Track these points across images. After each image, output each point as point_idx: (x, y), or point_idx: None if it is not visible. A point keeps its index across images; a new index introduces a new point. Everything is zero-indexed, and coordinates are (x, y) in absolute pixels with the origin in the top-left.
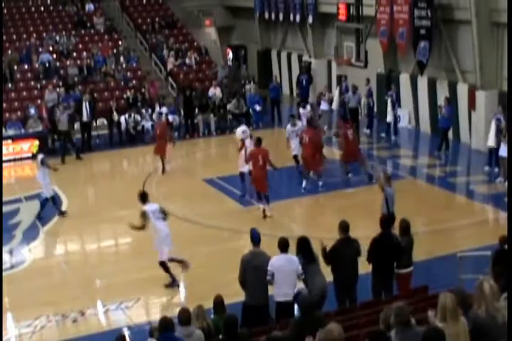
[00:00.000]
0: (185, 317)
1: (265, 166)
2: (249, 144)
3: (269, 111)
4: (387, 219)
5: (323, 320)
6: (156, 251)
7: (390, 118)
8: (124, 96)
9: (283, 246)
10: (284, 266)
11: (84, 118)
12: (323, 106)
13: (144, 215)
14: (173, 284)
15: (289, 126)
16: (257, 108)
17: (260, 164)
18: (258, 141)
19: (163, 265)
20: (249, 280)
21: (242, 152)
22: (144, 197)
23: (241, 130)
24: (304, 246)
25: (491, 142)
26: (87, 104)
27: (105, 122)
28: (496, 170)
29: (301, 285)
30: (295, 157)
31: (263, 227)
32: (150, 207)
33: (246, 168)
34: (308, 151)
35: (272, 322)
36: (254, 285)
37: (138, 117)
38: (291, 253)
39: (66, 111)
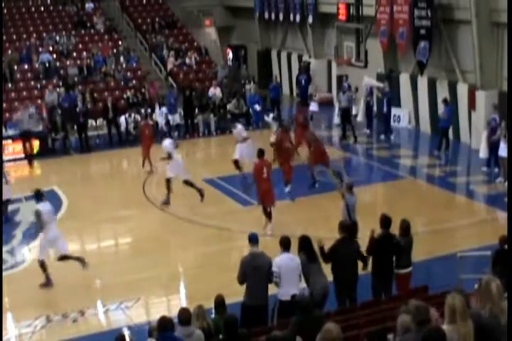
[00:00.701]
0: (185, 317)
1: (270, 178)
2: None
3: (269, 111)
4: (386, 219)
5: (323, 320)
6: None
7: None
8: (124, 96)
9: (285, 244)
10: (286, 263)
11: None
12: (313, 107)
13: (37, 214)
14: (47, 284)
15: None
16: (257, 108)
17: (265, 176)
18: (261, 153)
19: (42, 265)
20: (249, 281)
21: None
22: (38, 196)
23: (168, 142)
24: (305, 245)
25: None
26: (81, 104)
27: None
28: (496, 170)
29: (303, 284)
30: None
31: (262, 227)
32: (44, 207)
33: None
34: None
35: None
36: (254, 285)
37: (138, 117)
38: (292, 252)
39: (26, 111)
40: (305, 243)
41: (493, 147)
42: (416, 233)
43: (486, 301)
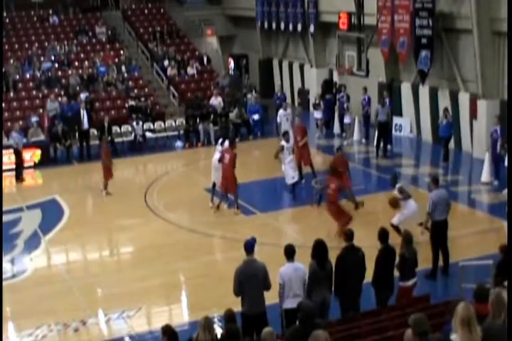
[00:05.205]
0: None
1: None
2: None
3: (275, 121)
4: (385, 233)
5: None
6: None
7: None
8: (126, 105)
9: (289, 253)
10: (290, 274)
11: (84, 126)
12: (317, 114)
13: None
14: None
15: None
16: (256, 117)
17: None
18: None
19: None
20: (247, 289)
21: None
22: None
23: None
24: (316, 250)
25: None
26: (85, 112)
27: (118, 130)
28: (496, 182)
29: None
30: None
31: (264, 236)
32: None
33: None
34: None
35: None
36: (251, 294)
37: (146, 125)
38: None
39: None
40: (316, 248)
41: (495, 159)
42: (418, 242)
43: (501, 310)
